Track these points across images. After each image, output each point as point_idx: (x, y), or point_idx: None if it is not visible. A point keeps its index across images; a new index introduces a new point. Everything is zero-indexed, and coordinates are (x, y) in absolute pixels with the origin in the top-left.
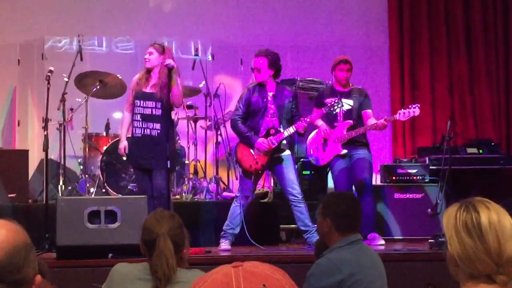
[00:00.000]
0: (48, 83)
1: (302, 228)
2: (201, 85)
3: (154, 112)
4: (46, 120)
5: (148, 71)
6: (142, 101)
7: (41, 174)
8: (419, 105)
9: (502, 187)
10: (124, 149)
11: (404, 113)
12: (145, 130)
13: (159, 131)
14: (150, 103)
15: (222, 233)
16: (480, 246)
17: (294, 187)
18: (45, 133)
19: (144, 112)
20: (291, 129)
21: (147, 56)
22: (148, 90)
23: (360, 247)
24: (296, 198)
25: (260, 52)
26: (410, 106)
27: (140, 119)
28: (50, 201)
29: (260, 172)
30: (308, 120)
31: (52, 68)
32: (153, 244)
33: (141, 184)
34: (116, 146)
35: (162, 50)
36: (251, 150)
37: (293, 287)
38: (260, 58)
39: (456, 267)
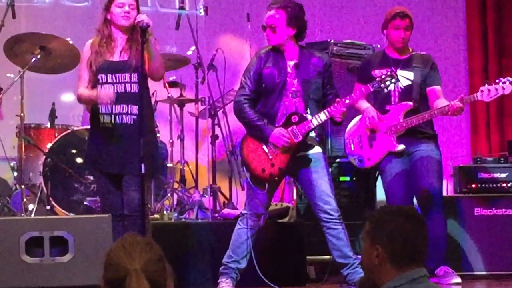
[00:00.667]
0: None
1: (340, 260)
2: (189, 52)
3: (128, 89)
4: None
5: (109, 34)
6: (110, 75)
7: None
8: (511, 79)
9: None
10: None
11: (488, 90)
12: (116, 117)
13: (135, 117)
14: (122, 77)
15: (222, 268)
16: None
17: (328, 201)
18: None
19: (115, 91)
20: (323, 116)
21: (127, 8)
22: (116, 58)
23: (425, 287)
24: (331, 217)
25: (274, 2)
26: (497, 81)
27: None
28: None
29: (277, 178)
30: (348, 101)
31: None
32: (121, 285)
33: (106, 198)
34: (66, 143)
35: (138, 6)
36: (264, 147)
37: None
38: (275, 12)
39: None
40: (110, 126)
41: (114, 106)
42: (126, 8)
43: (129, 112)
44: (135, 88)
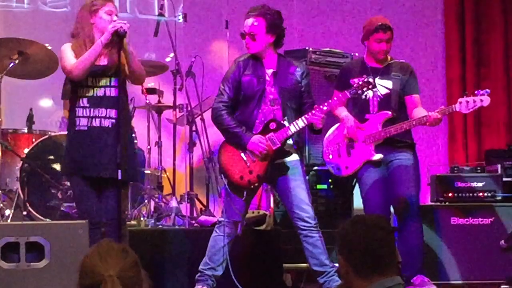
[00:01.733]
0: None
1: (316, 268)
2: (168, 59)
3: (108, 93)
4: None
5: (90, 38)
6: (91, 79)
7: None
8: (489, 91)
9: None
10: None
11: (467, 102)
12: (94, 120)
13: (113, 121)
14: (103, 81)
15: (198, 275)
16: None
17: (305, 209)
18: None
19: (95, 94)
20: (301, 123)
21: (115, 18)
22: (96, 62)
23: None
24: (308, 225)
25: (253, 9)
26: (476, 93)
27: (88, 105)
28: None
29: (254, 185)
30: (325, 108)
31: None
32: None
33: (83, 203)
34: (43, 148)
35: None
36: (242, 154)
37: None
38: (254, 19)
39: None
40: (88, 130)
41: (92, 109)
42: (115, 18)
43: (108, 116)
44: (114, 92)
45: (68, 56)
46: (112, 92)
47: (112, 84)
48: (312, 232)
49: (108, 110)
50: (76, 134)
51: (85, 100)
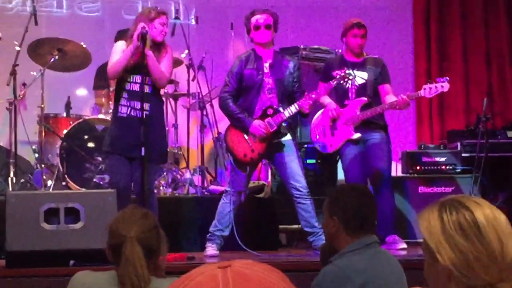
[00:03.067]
0: None
1: (307, 229)
2: (183, 55)
3: (143, 89)
4: None
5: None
6: (130, 75)
7: None
8: (448, 79)
9: None
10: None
11: (430, 88)
12: (133, 110)
13: (147, 112)
14: (140, 78)
15: (209, 235)
16: (481, 248)
17: (298, 180)
18: None
19: (132, 88)
20: (293, 109)
21: (166, 28)
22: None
23: (376, 252)
24: (301, 193)
25: (263, 9)
26: (437, 80)
27: (127, 97)
28: None
29: (256, 162)
30: (313, 96)
31: None
32: (120, 249)
33: (118, 176)
34: (78, 129)
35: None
36: (245, 136)
37: None
38: (268, 15)
39: (448, 282)
40: (125, 116)
41: (129, 101)
42: (165, 28)
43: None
44: (149, 89)
45: (113, 55)
46: (146, 88)
47: (147, 82)
48: (304, 199)
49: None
50: (118, 120)
51: (125, 93)
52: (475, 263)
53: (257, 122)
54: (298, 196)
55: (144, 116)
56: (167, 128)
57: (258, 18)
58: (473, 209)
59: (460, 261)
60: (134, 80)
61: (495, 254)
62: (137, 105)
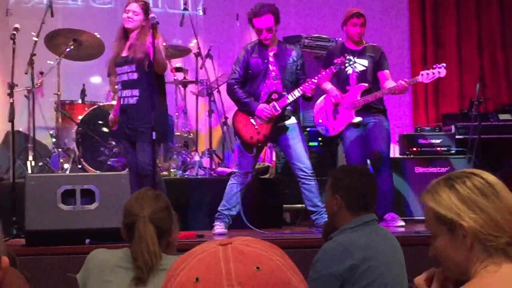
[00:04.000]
0: (14, 43)
1: (310, 208)
2: (191, 44)
3: (130, 77)
4: (11, 86)
5: (125, 32)
6: (119, 68)
7: (7, 148)
8: (445, 65)
9: None
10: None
11: (427, 74)
12: (125, 99)
13: (137, 98)
14: (126, 68)
15: (217, 214)
16: (501, 205)
17: (303, 161)
18: (11, 101)
19: (122, 79)
20: (297, 93)
21: (130, 14)
22: (124, 53)
23: (375, 229)
24: (305, 174)
25: (264, 7)
26: (434, 66)
27: (121, 87)
28: (17, 180)
29: (262, 143)
30: (315, 81)
31: (18, 26)
32: (133, 228)
33: (128, 159)
34: (93, 115)
35: (147, 10)
36: (251, 119)
37: (292, 269)
38: (267, 16)
39: (470, 251)
40: (122, 105)
41: (122, 91)
42: (129, 15)
43: (132, 95)
44: (133, 76)
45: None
46: (132, 76)
47: (132, 69)
48: (309, 180)
49: (132, 90)
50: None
51: (119, 84)
52: (500, 218)
53: (262, 105)
54: (303, 177)
55: (135, 102)
56: (176, 113)
57: (260, 21)
58: (482, 175)
59: (485, 220)
60: (122, 71)
61: None
62: (128, 93)
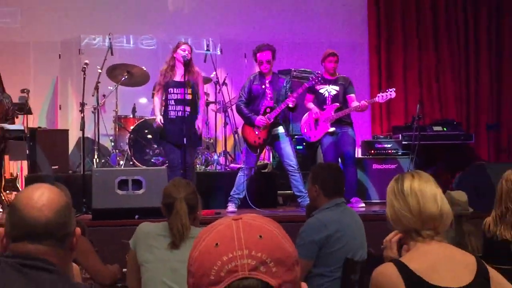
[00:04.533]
0: (84, 73)
1: (297, 193)
2: (212, 75)
3: (186, 97)
4: (82, 105)
5: (174, 64)
6: (175, 88)
7: (79, 149)
8: (395, 89)
9: (463, 158)
10: (160, 120)
11: (382, 96)
12: (178, 112)
13: (188, 113)
14: (182, 89)
15: (230, 197)
16: (404, 206)
17: (291, 159)
18: (82, 116)
19: (177, 98)
20: (283, 105)
21: (186, 53)
22: (178, 79)
23: (344, 209)
24: (293, 169)
25: (265, 46)
26: (387, 90)
27: (174, 103)
28: (86, 172)
29: (262, 145)
30: (295, 95)
31: (87, 61)
32: (171, 206)
33: (169, 156)
34: (141, 126)
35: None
36: (254, 129)
37: (285, 237)
38: (268, 52)
39: (390, 225)
40: (175, 117)
41: (176, 106)
42: (186, 53)
43: (185, 110)
44: (188, 97)
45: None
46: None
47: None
48: (296, 173)
49: (185, 107)
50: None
51: (172, 101)
52: (400, 214)
53: (259, 117)
54: (291, 171)
55: (186, 115)
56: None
57: (262, 55)
58: (405, 181)
59: (391, 213)
60: (177, 91)
61: (413, 210)
62: (182, 108)
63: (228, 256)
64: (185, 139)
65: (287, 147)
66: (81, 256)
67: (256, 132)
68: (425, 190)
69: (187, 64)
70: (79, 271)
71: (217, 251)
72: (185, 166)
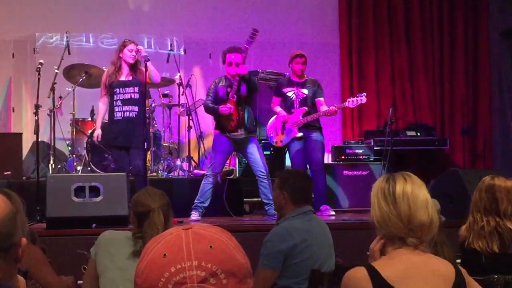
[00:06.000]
0: (39, 74)
1: (265, 200)
2: (176, 77)
3: (133, 96)
4: (37, 107)
5: (120, 64)
6: (121, 89)
7: (34, 154)
8: (365, 94)
9: (437, 165)
10: (97, 136)
11: (352, 101)
12: (125, 113)
13: (136, 113)
14: (129, 89)
15: (194, 205)
16: (393, 211)
17: (261, 165)
18: (36, 118)
19: (124, 97)
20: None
21: (134, 53)
22: (123, 78)
23: (311, 217)
24: (263, 174)
25: (236, 48)
26: (358, 95)
27: (121, 104)
28: (41, 178)
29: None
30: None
31: (42, 61)
32: (145, 215)
33: (118, 162)
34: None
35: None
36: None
37: (237, 247)
38: (239, 54)
39: (379, 231)
40: (121, 118)
41: (123, 106)
42: (133, 53)
43: (132, 110)
44: (136, 96)
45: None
46: (134, 96)
47: (135, 91)
48: (265, 179)
49: (132, 106)
50: (114, 121)
51: (119, 101)
52: (388, 219)
53: (222, 105)
54: (261, 176)
55: (134, 115)
56: (163, 129)
57: (232, 57)
58: (397, 183)
59: (378, 216)
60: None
61: (403, 216)
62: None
63: (176, 267)
64: (130, 141)
65: (256, 153)
66: (33, 267)
67: (227, 136)
68: (418, 196)
69: (135, 64)
70: (25, 284)
71: (165, 262)
72: (135, 171)
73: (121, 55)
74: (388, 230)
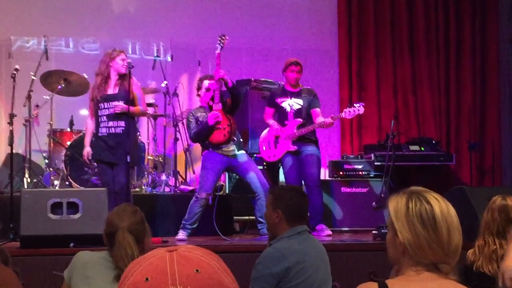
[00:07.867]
0: (14, 80)
1: (260, 219)
2: (163, 85)
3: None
4: (11, 116)
5: (108, 75)
6: (106, 103)
7: (7, 167)
8: (363, 104)
9: (442, 182)
10: (87, 155)
11: (349, 111)
12: (110, 129)
13: (123, 128)
14: (115, 103)
15: (182, 225)
16: (434, 236)
17: (258, 183)
18: (11, 129)
19: (109, 112)
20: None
21: (126, 62)
22: (110, 91)
23: (306, 237)
24: (260, 192)
25: (210, 76)
26: (354, 105)
27: (106, 120)
28: (15, 193)
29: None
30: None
31: (17, 67)
32: (113, 236)
33: (103, 177)
34: (79, 141)
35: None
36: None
37: (225, 271)
38: (213, 82)
39: (402, 254)
40: (106, 134)
41: (108, 122)
42: (125, 63)
43: (118, 125)
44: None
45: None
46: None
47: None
48: (262, 197)
49: (118, 122)
50: (99, 137)
51: (104, 117)
52: (426, 246)
53: (210, 114)
54: (258, 193)
55: (121, 131)
56: (148, 141)
57: (208, 84)
58: (433, 204)
59: (414, 242)
60: (110, 106)
61: (443, 242)
62: (115, 123)
63: None
64: (116, 157)
65: (253, 170)
66: None
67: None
68: (453, 217)
69: (124, 76)
70: None
71: (147, 286)
72: (118, 188)
73: (111, 64)
74: (423, 256)
